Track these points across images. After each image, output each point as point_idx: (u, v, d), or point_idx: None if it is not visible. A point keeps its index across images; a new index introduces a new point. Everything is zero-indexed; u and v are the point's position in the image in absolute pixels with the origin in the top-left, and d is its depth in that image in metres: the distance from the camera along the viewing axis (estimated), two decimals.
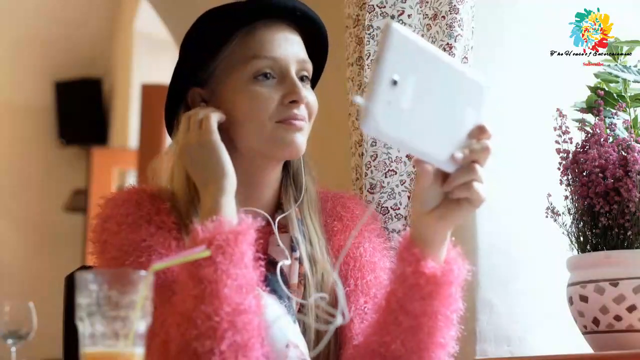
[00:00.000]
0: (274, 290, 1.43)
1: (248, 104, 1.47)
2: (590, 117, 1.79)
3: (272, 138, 1.47)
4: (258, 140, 1.47)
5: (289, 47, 1.50)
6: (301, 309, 1.48)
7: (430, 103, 1.12)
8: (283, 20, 1.51)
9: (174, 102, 1.55)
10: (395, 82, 1.06)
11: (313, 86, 1.59)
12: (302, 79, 1.51)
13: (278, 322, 1.39)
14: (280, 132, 1.47)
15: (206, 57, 1.51)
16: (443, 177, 1.21)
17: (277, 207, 1.54)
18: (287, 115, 1.47)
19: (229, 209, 1.36)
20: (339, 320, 1.26)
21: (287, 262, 1.48)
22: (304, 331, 1.45)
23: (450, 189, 1.21)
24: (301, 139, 1.49)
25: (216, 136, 1.43)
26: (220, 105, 1.50)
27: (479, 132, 1.19)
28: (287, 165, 1.56)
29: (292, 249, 1.51)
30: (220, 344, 1.26)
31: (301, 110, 1.49)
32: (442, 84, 1.14)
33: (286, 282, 1.48)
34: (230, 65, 1.49)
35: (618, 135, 1.74)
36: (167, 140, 1.64)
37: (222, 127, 1.49)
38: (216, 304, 1.26)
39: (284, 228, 1.53)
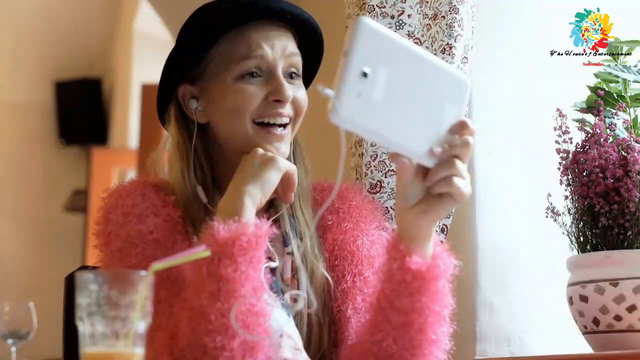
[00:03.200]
0: (270, 286, 1.44)
1: (232, 100, 1.48)
2: (590, 117, 1.79)
3: (252, 141, 1.48)
4: (240, 138, 1.49)
5: (276, 43, 1.50)
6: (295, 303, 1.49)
7: (405, 96, 1.12)
8: (274, 20, 1.52)
9: (165, 95, 1.56)
10: (365, 74, 1.06)
11: (308, 84, 1.59)
12: (290, 75, 1.52)
13: (274, 313, 1.39)
14: (259, 139, 1.48)
15: (197, 56, 1.52)
16: (425, 172, 1.22)
17: (271, 202, 1.54)
18: (271, 112, 1.48)
19: (251, 214, 1.38)
20: (300, 305, 1.32)
21: (275, 264, 1.49)
22: (298, 325, 1.46)
23: (431, 184, 1.21)
24: (283, 148, 1.49)
25: (283, 171, 1.44)
26: (209, 103, 1.52)
27: (460, 127, 1.19)
28: None
29: (284, 243, 1.52)
30: (231, 342, 1.27)
31: (286, 109, 1.49)
32: (418, 77, 1.14)
33: (281, 277, 1.49)
34: (220, 65, 1.50)
35: (618, 135, 1.74)
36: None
37: (209, 126, 1.53)
38: (232, 303, 1.28)
39: (276, 223, 1.53)
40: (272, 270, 1.48)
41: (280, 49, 1.50)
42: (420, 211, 1.24)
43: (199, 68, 1.52)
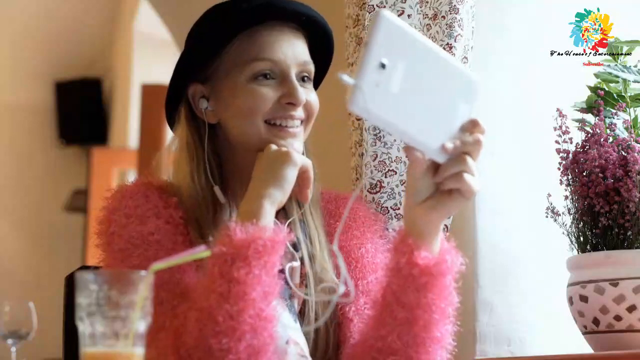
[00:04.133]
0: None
1: (245, 101, 1.48)
2: (590, 117, 1.79)
3: (264, 139, 1.47)
4: (252, 138, 1.48)
5: (290, 49, 1.50)
6: (302, 309, 1.49)
7: (420, 90, 1.14)
8: (288, 22, 1.52)
9: (174, 94, 1.56)
10: (383, 66, 1.08)
11: (316, 86, 1.59)
12: (303, 79, 1.52)
13: (280, 319, 1.39)
14: (272, 137, 1.47)
15: (209, 56, 1.52)
16: (435, 168, 1.22)
17: (282, 207, 1.53)
18: (283, 114, 1.48)
19: (270, 216, 1.38)
20: (341, 289, 1.28)
21: (297, 263, 1.49)
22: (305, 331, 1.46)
23: (441, 180, 1.22)
24: (296, 145, 1.49)
25: (299, 166, 1.43)
26: (220, 103, 1.51)
27: (472, 125, 1.20)
28: None
29: (294, 248, 1.52)
30: (237, 344, 1.28)
31: (298, 112, 1.49)
32: (433, 73, 1.15)
33: (288, 283, 1.48)
34: (232, 65, 1.50)
35: (618, 135, 1.74)
36: (167, 139, 1.64)
37: (219, 126, 1.52)
38: (241, 306, 1.28)
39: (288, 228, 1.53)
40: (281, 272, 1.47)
41: (294, 56, 1.50)
42: (430, 207, 1.25)
43: (210, 68, 1.52)
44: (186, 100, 1.54)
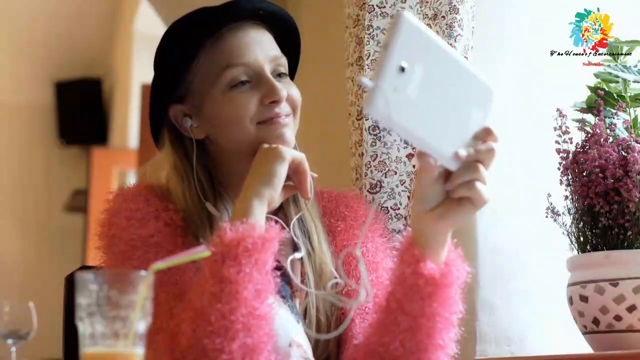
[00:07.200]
0: (278, 291, 1.44)
1: (229, 112, 1.48)
2: (590, 117, 1.79)
3: (258, 139, 1.47)
4: (245, 143, 1.48)
5: (258, 48, 1.50)
6: (305, 308, 1.48)
7: (436, 96, 1.12)
8: (248, 21, 1.51)
9: (157, 120, 1.56)
10: (402, 69, 1.06)
11: (292, 78, 1.59)
12: (279, 75, 1.52)
13: (281, 321, 1.39)
14: (265, 133, 1.47)
15: (179, 74, 1.51)
16: (446, 175, 1.21)
17: (280, 207, 1.54)
18: (269, 115, 1.48)
19: (260, 214, 1.37)
20: (362, 296, 1.28)
21: (298, 255, 1.49)
22: (307, 327, 1.46)
23: (452, 187, 1.20)
24: (288, 134, 1.49)
25: (289, 160, 1.42)
26: (204, 118, 1.51)
27: (485, 134, 1.19)
28: None
29: (294, 249, 1.51)
30: (230, 343, 1.27)
31: (283, 108, 1.49)
32: (450, 79, 1.14)
33: (289, 282, 1.48)
34: (206, 78, 1.50)
35: (618, 135, 1.74)
36: None
37: (206, 140, 1.52)
38: (233, 304, 1.27)
39: (285, 227, 1.53)
40: (282, 274, 1.47)
41: (264, 53, 1.50)
42: (438, 215, 1.23)
43: (184, 86, 1.52)
44: (168, 123, 1.54)
